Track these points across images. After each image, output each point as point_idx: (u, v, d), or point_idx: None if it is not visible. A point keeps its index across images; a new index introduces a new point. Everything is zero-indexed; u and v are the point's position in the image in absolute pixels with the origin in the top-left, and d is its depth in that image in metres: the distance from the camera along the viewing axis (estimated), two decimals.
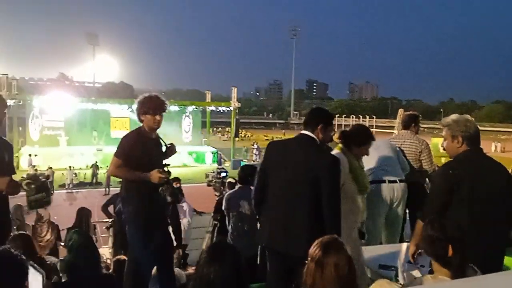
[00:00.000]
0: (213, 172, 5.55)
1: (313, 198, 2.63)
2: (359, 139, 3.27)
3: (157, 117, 3.18)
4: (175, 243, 4.33)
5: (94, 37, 60.92)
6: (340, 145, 3.22)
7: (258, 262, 4.74)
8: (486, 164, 2.59)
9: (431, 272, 2.03)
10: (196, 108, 26.71)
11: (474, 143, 2.58)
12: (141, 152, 3.11)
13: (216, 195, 5.49)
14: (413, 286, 1.93)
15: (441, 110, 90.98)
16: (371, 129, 3.83)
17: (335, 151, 3.17)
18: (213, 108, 27.43)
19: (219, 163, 22.49)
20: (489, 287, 1.93)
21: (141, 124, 3.23)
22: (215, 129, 50.15)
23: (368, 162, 3.69)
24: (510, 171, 4.84)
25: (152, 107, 3.17)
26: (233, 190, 4.69)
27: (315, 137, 2.74)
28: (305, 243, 1.97)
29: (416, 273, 2.07)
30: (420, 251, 2.53)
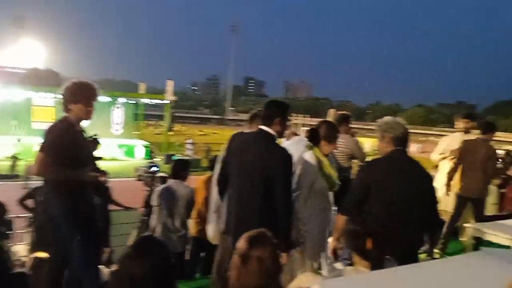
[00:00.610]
0: (144, 166, 5.40)
1: (265, 194, 2.69)
2: (329, 136, 3.32)
3: (90, 108, 2.95)
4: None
5: (19, 18, 56.46)
6: (309, 143, 3.24)
7: (189, 258, 4.73)
8: (407, 165, 2.73)
9: (352, 264, 2.13)
10: (128, 100, 25.76)
11: (400, 144, 2.72)
12: (72, 147, 2.84)
13: (146, 190, 5.33)
14: (334, 277, 2.02)
15: (369, 111, 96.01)
16: (304, 128, 3.93)
17: (304, 149, 3.21)
18: (146, 100, 26.64)
19: (151, 157, 21.92)
20: (403, 277, 2.05)
21: (64, 114, 2.94)
22: (148, 122, 48.76)
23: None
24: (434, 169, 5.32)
25: (87, 95, 2.93)
26: (165, 184, 4.59)
27: (271, 131, 2.79)
28: None
29: (338, 265, 2.16)
30: (342, 245, 2.65)
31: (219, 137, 36.98)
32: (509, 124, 71.59)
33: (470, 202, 5.02)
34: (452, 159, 5.20)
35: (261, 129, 2.83)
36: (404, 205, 2.60)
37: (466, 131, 5.31)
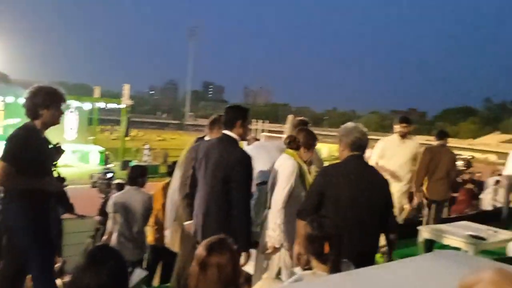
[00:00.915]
0: (99, 173, 5.22)
1: (225, 196, 2.78)
2: (308, 143, 3.36)
3: (61, 112, 2.89)
4: None
5: None
6: (290, 150, 3.25)
7: (147, 266, 4.61)
8: (361, 170, 2.77)
9: (310, 268, 2.15)
10: (82, 103, 24.94)
11: (357, 150, 2.76)
12: (37, 155, 2.73)
13: (101, 197, 5.16)
14: (293, 282, 2.03)
15: (325, 118, 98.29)
16: (263, 133, 3.98)
17: (285, 156, 3.22)
18: (102, 104, 25.91)
19: (106, 163, 21.30)
20: (360, 280, 2.09)
21: (27, 120, 2.82)
22: (103, 127, 47.34)
23: (259, 164, 3.80)
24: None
25: (58, 100, 2.86)
26: (122, 191, 4.46)
27: (234, 135, 2.89)
28: None
29: (297, 270, 2.18)
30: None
31: (177, 142, 36.50)
32: (457, 130, 75.49)
33: (433, 204, 5.38)
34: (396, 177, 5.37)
35: (224, 134, 2.95)
36: (358, 209, 2.65)
37: (403, 134, 5.41)
